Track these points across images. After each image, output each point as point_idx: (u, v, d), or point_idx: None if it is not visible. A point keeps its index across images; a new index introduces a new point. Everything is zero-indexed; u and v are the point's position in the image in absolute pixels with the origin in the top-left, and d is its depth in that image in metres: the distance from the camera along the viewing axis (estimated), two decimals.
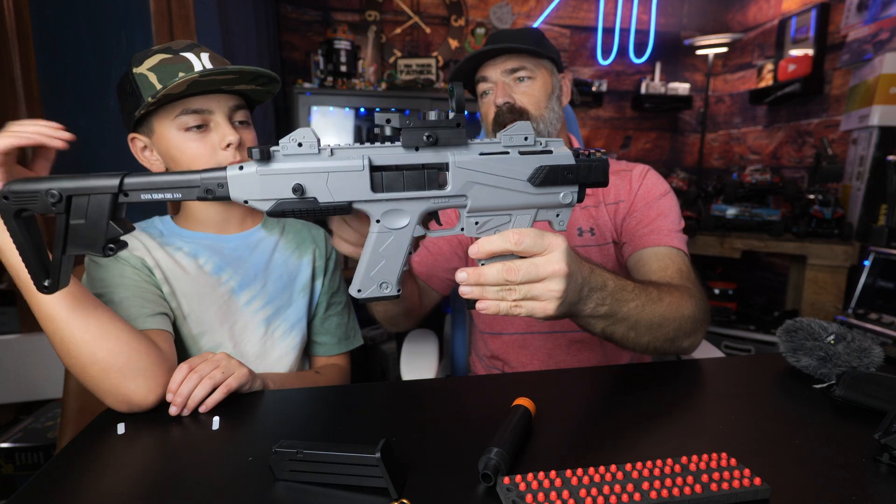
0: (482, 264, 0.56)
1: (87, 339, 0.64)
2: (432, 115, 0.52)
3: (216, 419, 0.63)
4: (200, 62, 0.76)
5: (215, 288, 0.84)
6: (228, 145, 0.78)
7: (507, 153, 0.55)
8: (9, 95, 1.49)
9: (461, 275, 0.56)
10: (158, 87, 0.74)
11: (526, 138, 0.55)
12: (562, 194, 0.56)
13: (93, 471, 0.54)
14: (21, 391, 1.45)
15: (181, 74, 0.73)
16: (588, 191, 1.01)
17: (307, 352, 0.98)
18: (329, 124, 2.59)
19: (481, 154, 0.54)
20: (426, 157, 0.53)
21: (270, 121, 2.33)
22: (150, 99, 0.72)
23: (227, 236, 0.88)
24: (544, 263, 0.55)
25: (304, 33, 2.69)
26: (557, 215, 0.58)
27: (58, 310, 0.63)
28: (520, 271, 0.54)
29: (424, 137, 0.52)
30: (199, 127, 0.78)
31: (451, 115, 0.53)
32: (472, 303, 0.57)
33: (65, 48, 1.49)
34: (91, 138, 1.49)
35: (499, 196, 0.55)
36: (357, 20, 2.71)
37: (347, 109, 2.59)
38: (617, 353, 1.03)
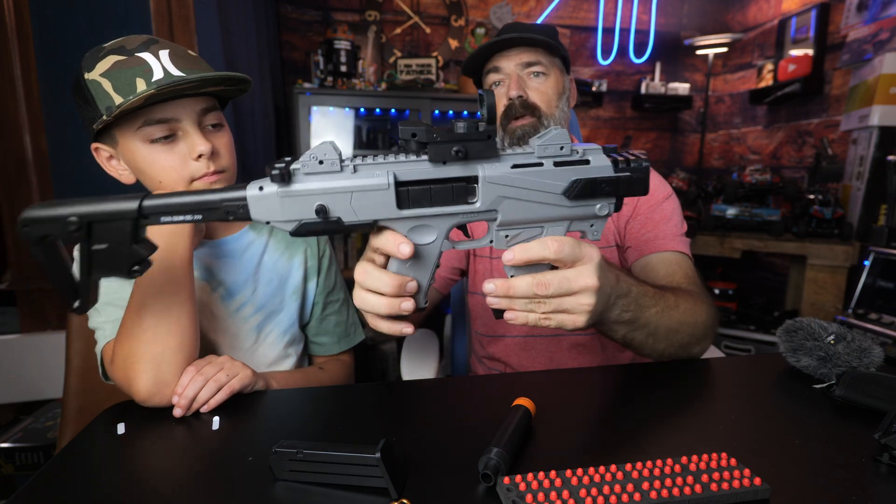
0: (511, 274, 0.54)
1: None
2: (460, 128, 0.48)
3: (216, 419, 0.63)
4: (160, 63, 0.68)
5: (204, 296, 0.82)
6: (200, 156, 0.72)
7: (542, 164, 0.51)
8: (9, 95, 1.49)
9: (489, 286, 0.54)
10: (113, 96, 0.67)
11: (562, 147, 0.51)
12: (598, 206, 0.53)
13: (93, 471, 0.54)
14: (21, 391, 1.45)
15: (138, 80, 0.67)
16: None
17: (308, 352, 0.97)
18: (329, 124, 2.59)
19: (514, 166, 0.51)
20: (454, 170, 0.50)
21: (271, 121, 2.33)
22: (105, 116, 0.66)
23: (214, 241, 0.85)
24: (576, 277, 0.53)
25: (304, 33, 2.69)
26: (591, 225, 0.54)
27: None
28: (551, 286, 0.52)
29: (453, 152, 0.48)
30: (166, 137, 0.71)
31: (482, 126, 0.49)
32: (499, 313, 0.55)
33: (65, 48, 1.50)
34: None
35: (531, 210, 0.52)
36: (357, 20, 2.71)
37: (347, 109, 2.59)
38: (618, 357, 1.03)
